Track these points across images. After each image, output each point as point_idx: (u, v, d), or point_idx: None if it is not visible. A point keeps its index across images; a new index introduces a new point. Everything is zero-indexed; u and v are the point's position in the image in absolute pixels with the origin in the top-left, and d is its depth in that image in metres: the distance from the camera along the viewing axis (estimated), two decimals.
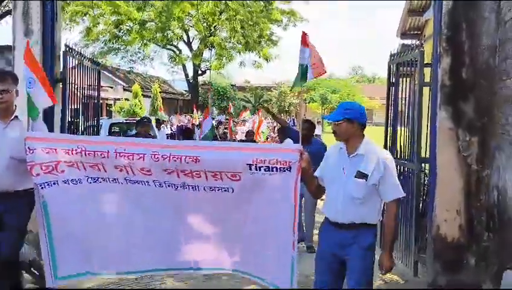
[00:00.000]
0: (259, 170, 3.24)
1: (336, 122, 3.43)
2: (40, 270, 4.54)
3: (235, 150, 3.41)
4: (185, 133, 8.81)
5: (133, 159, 3.33)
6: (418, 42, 6.26)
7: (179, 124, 21.78)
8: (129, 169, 3.38)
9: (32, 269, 4.80)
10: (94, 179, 3.52)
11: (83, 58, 6.39)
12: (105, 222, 3.63)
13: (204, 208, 3.49)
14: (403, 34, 11.78)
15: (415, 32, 11.54)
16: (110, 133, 12.06)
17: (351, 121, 3.43)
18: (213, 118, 29.91)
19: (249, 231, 3.46)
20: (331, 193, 3.54)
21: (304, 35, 3.70)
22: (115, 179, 3.48)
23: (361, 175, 3.38)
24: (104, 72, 34.37)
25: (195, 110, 24.12)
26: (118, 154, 3.37)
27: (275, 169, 3.22)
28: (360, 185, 3.39)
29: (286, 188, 3.26)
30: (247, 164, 3.23)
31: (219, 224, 3.54)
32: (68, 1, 24.71)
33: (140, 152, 3.33)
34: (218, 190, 3.35)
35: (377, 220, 3.53)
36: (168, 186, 3.40)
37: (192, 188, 3.37)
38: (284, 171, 3.22)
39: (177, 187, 3.39)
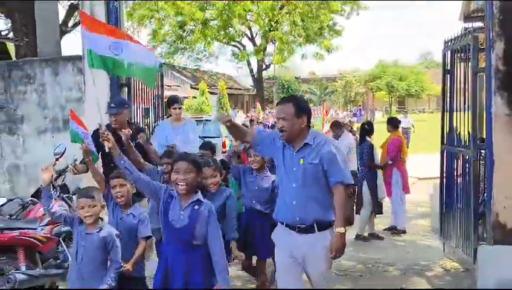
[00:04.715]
0: None
1: None
2: None
3: None
4: None
5: None
6: (471, 27, 6.13)
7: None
8: None
9: None
10: None
11: None
12: None
13: None
14: (466, 17, 11.34)
15: (479, 14, 11.08)
16: None
17: None
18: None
19: None
20: None
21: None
22: None
23: None
24: (172, 71, 35.59)
25: (258, 105, 24.40)
26: None
27: None
28: None
29: None
30: None
31: None
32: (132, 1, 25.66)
33: None
34: None
35: None
36: None
37: None
38: None
39: None
